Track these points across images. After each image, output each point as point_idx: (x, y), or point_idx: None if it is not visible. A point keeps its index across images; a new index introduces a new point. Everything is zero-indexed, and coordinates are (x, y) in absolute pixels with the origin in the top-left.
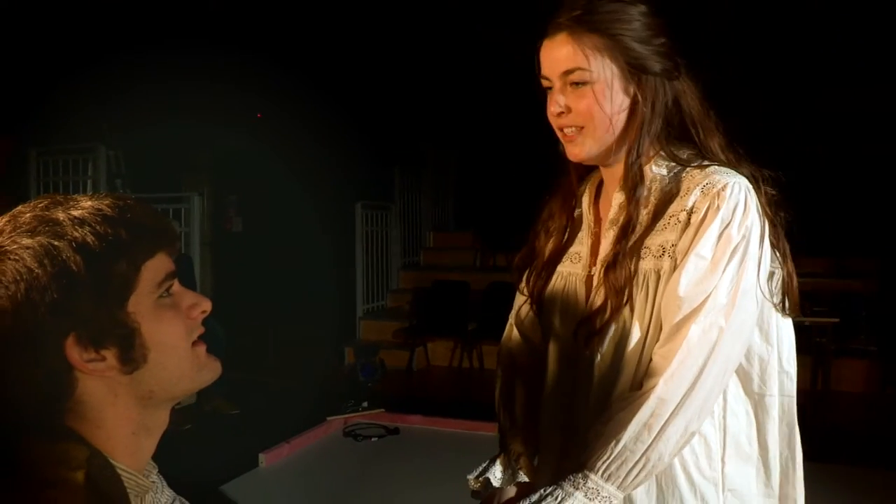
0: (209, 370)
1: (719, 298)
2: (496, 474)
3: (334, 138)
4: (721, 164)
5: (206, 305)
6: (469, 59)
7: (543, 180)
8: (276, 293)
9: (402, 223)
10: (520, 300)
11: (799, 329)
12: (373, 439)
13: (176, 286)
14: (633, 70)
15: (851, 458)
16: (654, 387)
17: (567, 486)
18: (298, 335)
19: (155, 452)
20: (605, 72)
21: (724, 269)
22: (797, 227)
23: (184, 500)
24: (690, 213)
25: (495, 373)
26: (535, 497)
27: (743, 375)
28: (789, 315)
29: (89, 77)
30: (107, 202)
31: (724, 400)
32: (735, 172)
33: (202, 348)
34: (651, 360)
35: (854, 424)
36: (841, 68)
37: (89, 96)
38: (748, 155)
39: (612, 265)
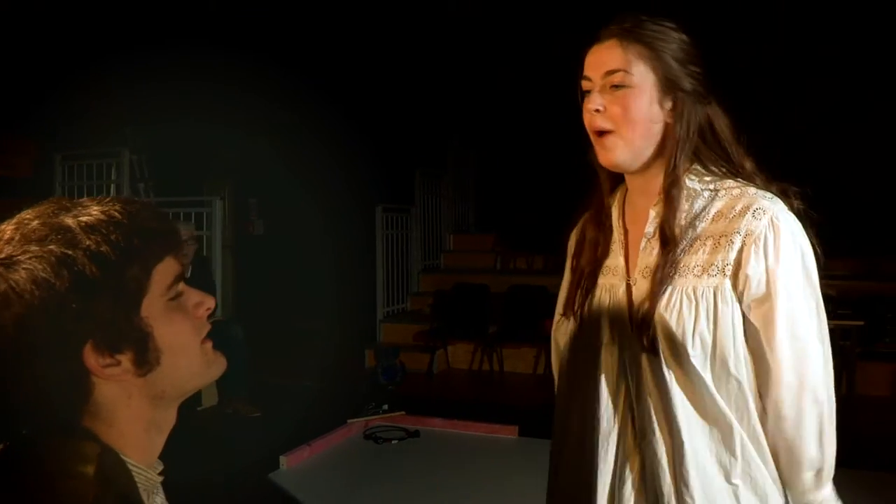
0: (217, 365)
1: (814, 329)
2: None
3: (354, 141)
4: (754, 182)
5: (211, 303)
6: (489, 61)
7: (562, 185)
8: (296, 296)
9: (423, 226)
10: (559, 323)
11: None
12: (393, 442)
13: (182, 287)
14: (669, 85)
15: (877, 464)
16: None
17: None
18: (319, 338)
19: (177, 454)
20: (644, 79)
21: (806, 300)
22: (824, 230)
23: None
24: (745, 236)
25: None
26: None
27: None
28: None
29: (113, 81)
30: (116, 207)
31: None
32: (772, 196)
33: (209, 344)
34: (768, 394)
35: (880, 429)
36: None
37: (113, 101)
38: (782, 163)
39: (662, 279)
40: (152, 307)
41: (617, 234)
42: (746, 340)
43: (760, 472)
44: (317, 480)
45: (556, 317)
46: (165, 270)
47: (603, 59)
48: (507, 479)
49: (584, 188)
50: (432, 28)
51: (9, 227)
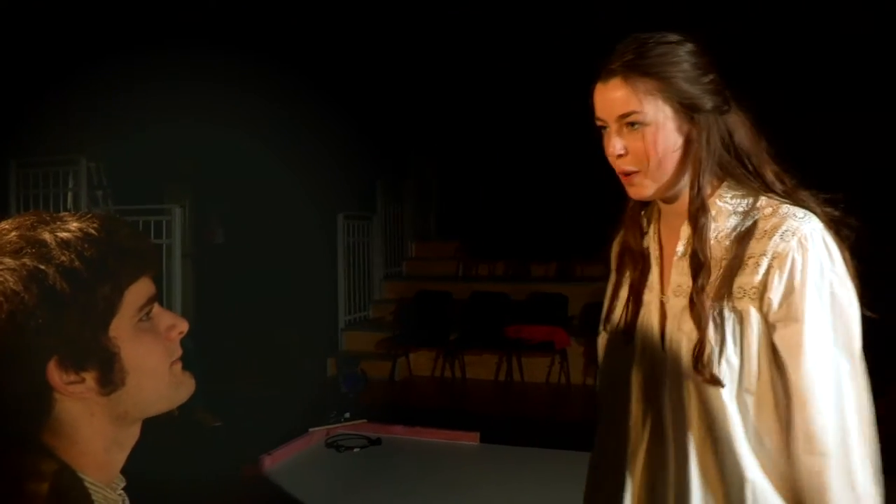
0: (185, 387)
1: (848, 350)
2: None
3: (315, 149)
4: (781, 194)
5: (184, 326)
6: (450, 68)
7: (523, 192)
8: (257, 304)
9: (385, 233)
10: (603, 337)
11: None
12: (355, 450)
13: (155, 308)
14: (686, 109)
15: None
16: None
17: None
18: (281, 346)
19: (140, 463)
20: (659, 114)
21: (844, 321)
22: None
23: None
24: (772, 258)
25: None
26: None
27: None
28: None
29: (69, 88)
30: (94, 225)
31: None
32: (807, 212)
33: (178, 366)
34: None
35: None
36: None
37: (69, 108)
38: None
39: (695, 302)
40: (122, 327)
41: (653, 251)
42: (773, 363)
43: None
44: (278, 490)
45: (601, 332)
46: (139, 291)
47: (612, 101)
48: (468, 485)
49: (548, 197)
50: (392, 36)
51: None
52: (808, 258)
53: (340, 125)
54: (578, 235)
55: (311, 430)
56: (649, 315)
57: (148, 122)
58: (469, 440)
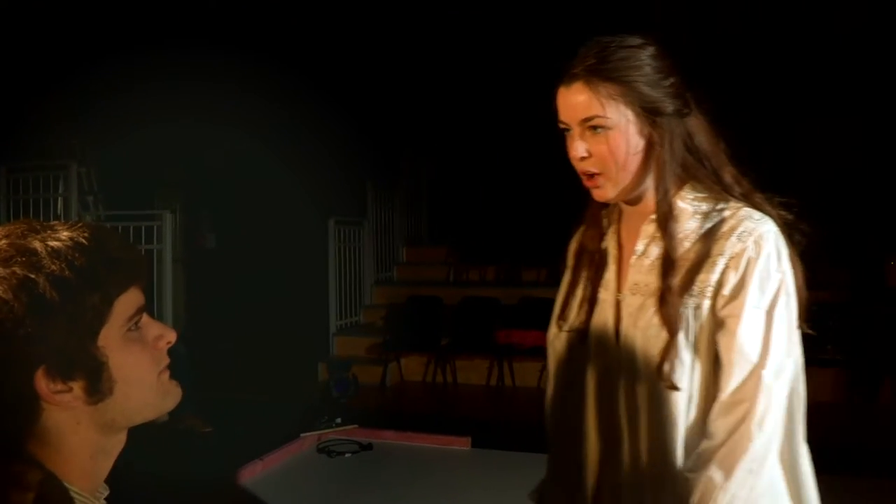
0: (172, 396)
1: (779, 348)
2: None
3: (306, 154)
4: (738, 197)
5: (172, 336)
6: (441, 72)
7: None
8: (248, 310)
9: (376, 238)
10: (556, 336)
11: None
12: (346, 455)
13: (144, 318)
14: (648, 113)
15: (819, 467)
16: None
17: None
18: (272, 352)
19: (131, 470)
20: (621, 118)
21: (776, 319)
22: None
23: None
24: (729, 258)
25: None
26: None
27: None
28: (799, 328)
29: (60, 93)
30: (85, 234)
31: None
32: (763, 216)
33: (166, 375)
34: (719, 403)
35: (821, 433)
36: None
37: (60, 113)
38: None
39: (667, 301)
40: (111, 337)
41: (611, 249)
42: (712, 357)
43: None
44: (269, 495)
45: (552, 327)
46: (128, 301)
47: (575, 104)
48: (460, 490)
49: (539, 202)
50: (384, 39)
51: None
52: (760, 258)
53: (331, 130)
54: (569, 240)
55: (302, 435)
56: (605, 313)
57: (139, 128)
58: (460, 445)
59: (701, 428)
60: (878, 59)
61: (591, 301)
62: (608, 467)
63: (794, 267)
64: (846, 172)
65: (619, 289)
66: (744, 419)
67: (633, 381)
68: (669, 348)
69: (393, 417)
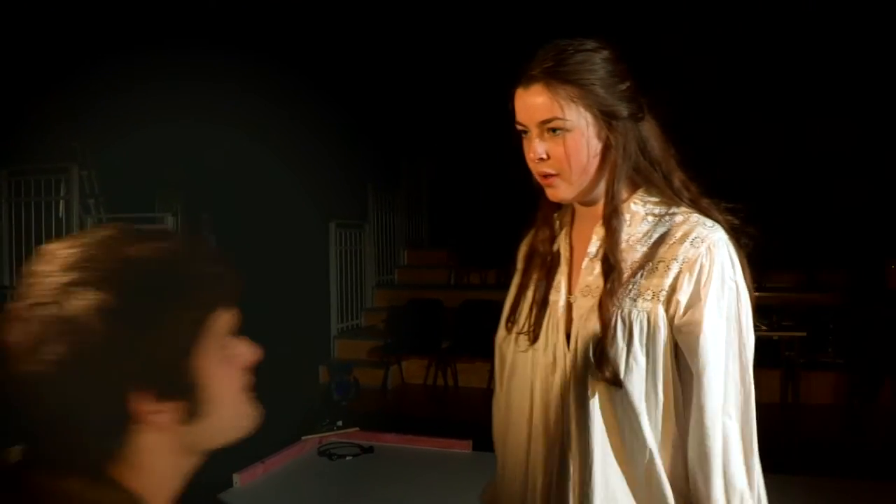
0: (255, 418)
1: (739, 353)
2: None
3: (307, 156)
4: (687, 202)
5: (259, 354)
6: (441, 75)
7: (515, 199)
8: (249, 312)
9: (377, 241)
10: (504, 338)
11: (768, 343)
12: (347, 458)
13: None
14: (606, 116)
15: (820, 469)
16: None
17: None
18: (272, 354)
19: None
20: (580, 120)
21: (734, 324)
22: (765, 243)
23: None
24: (683, 263)
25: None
26: None
27: None
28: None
29: (60, 95)
30: (179, 247)
31: None
32: (714, 223)
33: (252, 395)
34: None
35: (822, 435)
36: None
37: (60, 114)
38: (713, 180)
39: (604, 303)
40: (206, 356)
41: (563, 252)
42: (676, 365)
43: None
44: (270, 498)
45: (501, 330)
46: (223, 318)
47: (533, 107)
48: (461, 493)
49: (536, 203)
50: (384, 41)
51: (66, 251)
52: (714, 265)
53: (332, 133)
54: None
55: (303, 437)
56: (555, 315)
57: (139, 128)
58: (461, 448)
59: (674, 428)
60: (879, 59)
61: (542, 303)
62: (556, 470)
63: (743, 270)
64: (845, 174)
65: (570, 291)
66: (712, 473)
67: (584, 381)
68: (606, 347)
69: (394, 420)
